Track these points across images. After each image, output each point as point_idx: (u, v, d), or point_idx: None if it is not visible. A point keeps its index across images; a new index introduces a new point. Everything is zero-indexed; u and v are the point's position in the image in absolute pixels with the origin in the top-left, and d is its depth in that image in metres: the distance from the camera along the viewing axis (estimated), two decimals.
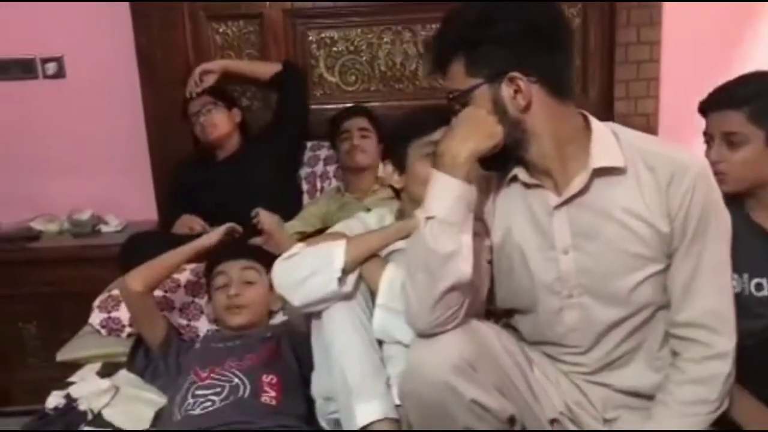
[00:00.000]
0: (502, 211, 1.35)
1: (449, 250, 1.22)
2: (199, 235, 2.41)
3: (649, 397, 1.30)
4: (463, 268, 1.23)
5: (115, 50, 2.88)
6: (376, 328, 1.42)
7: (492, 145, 1.26)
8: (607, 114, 2.84)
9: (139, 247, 2.23)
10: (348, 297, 1.45)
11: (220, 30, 2.90)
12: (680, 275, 1.25)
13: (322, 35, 2.91)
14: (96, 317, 1.96)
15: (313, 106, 2.91)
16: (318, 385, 1.52)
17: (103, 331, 1.96)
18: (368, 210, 2.53)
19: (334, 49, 2.92)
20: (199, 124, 2.70)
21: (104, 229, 2.97)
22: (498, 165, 1.32)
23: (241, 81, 2.86)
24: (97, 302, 1.99)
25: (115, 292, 1.98)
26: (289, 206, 2.71)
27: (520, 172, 1.32)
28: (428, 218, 1.24)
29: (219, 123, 2.71)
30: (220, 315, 1.82)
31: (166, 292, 1.99)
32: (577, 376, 1.34)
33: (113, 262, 2.75)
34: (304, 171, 2.85)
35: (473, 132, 1.26)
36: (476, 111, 1.27)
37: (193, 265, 2.11)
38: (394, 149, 1.64)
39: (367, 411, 1.34)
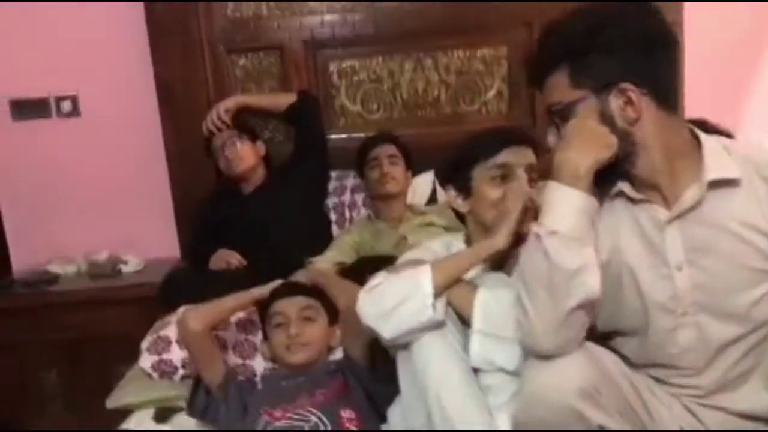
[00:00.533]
0: (608, 229, 1.30)
1: (576, 265, 1.18)
2: (237, 270, 2.37)
3: (767, 420, 1.26)
4: (592, 283, 1.18)
5: (133, 85, 2.84)
6: (474, 356, 1.36)
7: (609, 156, 1.23)
8: None
9: (180, 284, 2.17)
10: (440, 325, 1.40)
11: (240, 63, 2.87)
12: None
13: (343, 65, 2.88)
14: (146, 360, 1.87)
15: (335, 136, 2.88)
16: (410, 419, 1.45)
17: (155, 375, 1.88)
18: (404, 238, 2.50)
19: (355, 78, 2.89)
20: (224, 158, 2.65)
21: (124, 269, 2.88)
22: (605, 179, 1.28)
23: (262, 114, 2.81)
24: (145, 344, 1.91)
25: (164, 333, 1.90)
26: (319, 237, 2.66)
27: (625, 186, 1.28)
28: (551, 233, 1.19)
29: (245, 156, 2.66)
30: (280, 354, 1.75)
31: (217, 330, 1.92)
32: (690, 400, 1.29)
33: (135, 304, 2.69)
34: (331, 201, 2.80)
35: (591, 143, 1.22)
36: (588, 122, 1.23)
37: None
38: (456, 173, 1.60)
39: None
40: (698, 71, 2.80)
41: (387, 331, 1.40)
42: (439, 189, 2.82)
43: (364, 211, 2.74)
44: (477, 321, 1.36)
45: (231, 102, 2.70)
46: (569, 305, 1.17)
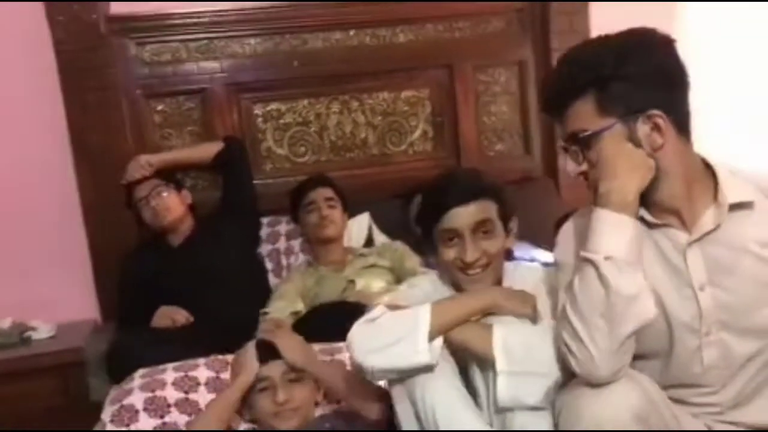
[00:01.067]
0: None
1: (634, 291, 1.19)
2: (183, 327, 2.21)
3: None
4: (649, 307, 1.20)
5: (43, 134, 2.61)
6: (502, 397, 1.33)
7: (650, 179, 1.26)
8: (552, 167, 2.98)
9: (131, 349, 1.99)
10: (431, 369, 1.36)
11: (159, 108, 2.72)
12: None
13: (269, 108, 2.82)
14: None
15: (262, 181, 2.80)
16: None
17: None
18: (352, 281, 2.45)
19: (282, 121, 2.83)
20: (150, 209, 2.49)
21: (34, 336, 2.61)
22: None
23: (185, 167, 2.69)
24: (107, 416, 1.72)
25: (128, 401, 1.72)
26: (257, 287, 2.56)
27: (643, 212, 1.32)
28: (607, 258, 1.20)
29: (172, 206, 2.52)
30: (268, 420, 1.64)
31: (187, 393, 1.77)
32: (708, 417, 1.33)
33: (49, 374, 2.44)
34: (265, 248, 2.70)
35: (635, 167, 1.24)
36: (627, 147, 1.25)
37: (208, 360, 1.90)
38: (422, 230, 1.56)
39: None
40: None
41: (376, 364, 1.37)
42: (375, 230, 2.81)
43: (302, 257, 2.65)
44: (500, 362, 1.33)
45: (155, 159, 2.56)
46: (627, 331, 1.18)
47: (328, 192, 2.62)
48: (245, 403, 1.70)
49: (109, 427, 1.68)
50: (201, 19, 2.69)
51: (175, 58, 2.71)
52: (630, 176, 1.24)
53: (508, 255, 2.59)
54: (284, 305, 2.31)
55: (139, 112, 2.68)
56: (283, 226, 2.73)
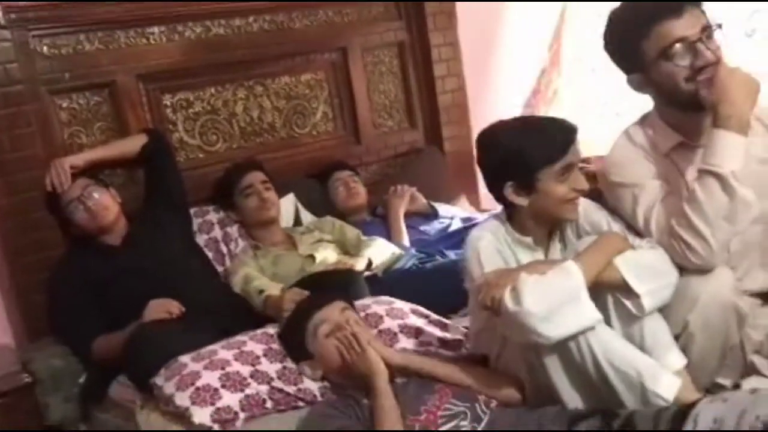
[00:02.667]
0: None
1: (750, 198, 1.47)
2: (178, 318, 2.15)
3: None
4: (756, 210, 1.49)
5: None
6: (650, 310, 1.50)
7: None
8: (436, 137, 3.31)
9: (158, 342, 1.93)
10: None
11: (64, 105, 2.54)
12: None
13: (177, 98, 2.76)
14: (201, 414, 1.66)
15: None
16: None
17: (216, 426, 1.66)
18: (311, 256, 2.53)
19: (191, 110, 2.80)
20: (87, 210, 2.35)
21: None
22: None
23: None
24: (185, 401, 1.66)
25: (202, 383, 1.69)
26: (208, 276, 2.53)
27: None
28: (732, 172, 1.45)
29: (109, 205, 2.40)
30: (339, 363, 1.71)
31: (253, 365, 1.78)
32: None
33: None
34: (200, 239, 2.65)
35: (749, 93, 1.48)
36: (739, 72, 1.49)
37: (259, 332, 1.91)
38: (519, 173, 1.62)
39: (671, 382, 1.46)
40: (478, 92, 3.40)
41: (551, 335, 1.43)
42: (301, 209, 2.90)
43: (242, 243, 2.66)
44: (636, 285, 1.50)
45: (79, 160, 2.40)
46: (740, 229, 1.49)
47: (262, 175, 2.67)
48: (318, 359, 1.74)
49: (195, 409, 1.64)
50: (102, 8, 2.55)
51: (77, 51, 2.55)
52: (746, 102, 1.49)
53: (434, 213, 2.89)
54: (267, 282, 2.33)
55: (44, 111, 2.48)
56: (213, 215, 2.71)
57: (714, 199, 1.49)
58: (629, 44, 1.61)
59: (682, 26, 1.55)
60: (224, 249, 2.67)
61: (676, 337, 1.54)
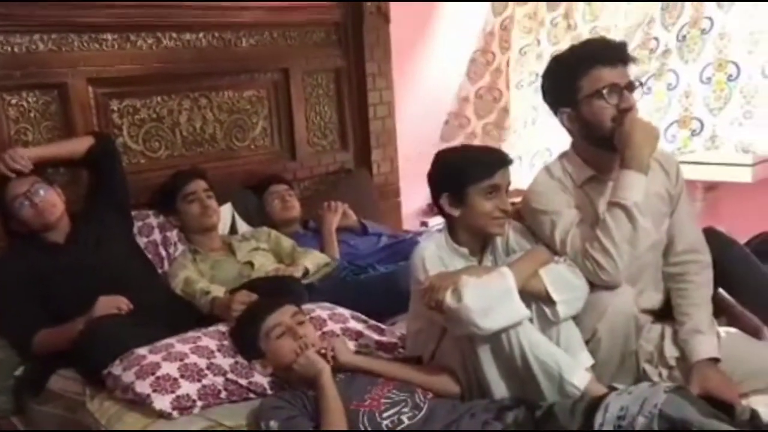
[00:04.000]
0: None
1: (649, 226, 1.76)
2: (127, 315, 2.24)
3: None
4: (654, 235, 1.80)
5: None
6: (564, 317, 1.76)
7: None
8: (366, 159, 3.53)
9: (114, 336, 2.02)
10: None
11: (13, 102, 2.59)
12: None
13: (124, 104, 2.86)
14: (162, 401, 1.77)
15: None
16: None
17: (176, 414, 1.77)
18: (249, 263, 2.68)
19: (137, 117, 2.89)
20: (34, 206, 2.41)
21: None
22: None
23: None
24: (146, 389, 1.77)
25: (162, 372, 1.82)
26: (150, 276, 2.63)
27: None
28: (635, 204, 1.74)
29: (56, 202, 2.47)
30: (291, 361, 1.86)
31: (209, 358, 1.91)
32: None
33: None
34: (139, 242, 2.75)
35: (649, 138, 1.77)
36: (642, 121, 1.79)
37: (211, 329, 2.04)
38: (453, 186, 1.87)
39: (583, 375, 1.72)
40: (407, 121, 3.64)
41: (489, 327, 1.67)
42: (237, 218, 3.04)
43: (181, 247, 2.77)
44: (555, 294, 1.75)
45: (32, 153, 2.47)
46: (636, 254, 1.77)
47: (204, 183, 2.80)
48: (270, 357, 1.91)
49: (156, 396, 1.76)
50: (57, 11, 2.63)
51: (30, 50, 2.61)
52: (645, 146, 1.77)
53: (364, 229, 3.10)
54: (208, 285, 2.45)
55: None
56: (153, 219, 2.81)
57: (620, 227, 1.77)
58: (568, 80, 1.88)
59: (616, 75, 1.84)
60: (163, 252, 2.77)
61: (586, 342, 1.81)
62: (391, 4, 3.44)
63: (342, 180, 3.46)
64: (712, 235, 2.10)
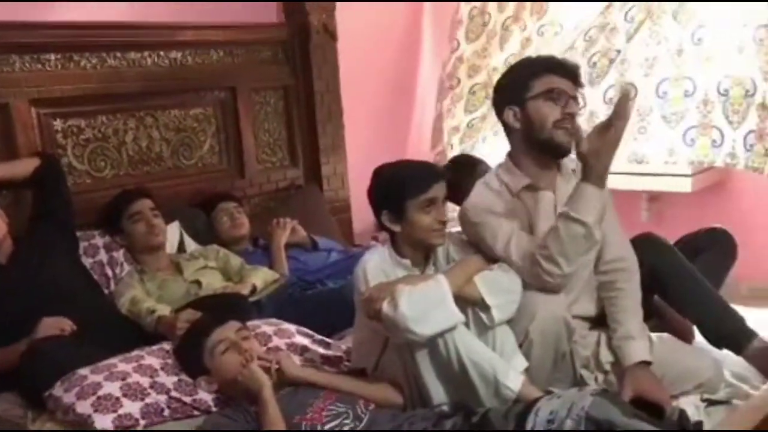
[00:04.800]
0: None
1: (600, 238, 1.84)
2: (70, 336, 2.23)
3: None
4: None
5: None
6: (499, 322, 1.82)
7: None
8: (316, 175, 3.56)
9: (55, 356, 2.01)
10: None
11: None
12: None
13: (68, 123, 2.85)
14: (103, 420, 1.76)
15: None
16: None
17: None
18: (197, 282, 2.68)
19: (82, 137, 2.89)
20: None
21: None
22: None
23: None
24: (87, 409, 1.76)
25: (104, 392, 1.81)
26: (95, 296, 2.62)
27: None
28: (587, 220, 1.79)
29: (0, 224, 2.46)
30: (236, 375, 1.87)
31: (152, 377, 1.92)
32: None
33: None
34: (85, 263, 2.73)
35: (608, 151, 1.79)
36: (603, 135, 1.80)
37: (155, 348, 2.04)
38: (391, 202, 1.93)
39: (517, 377, 1.78)
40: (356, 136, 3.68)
41: (423, 332, 1.72)
42: (186, 237, 3.04)
43: (127, 267, 2.76)
44: (489, 299, 1.82)
45: None
46: (587, 263, 1.87)
47: (150, 203, 2.80)
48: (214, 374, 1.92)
49: (97, 417, 1.76)
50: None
51: None
52: (604, 160, 1.81)
53: (314, 245, 3.13)
54: (154, 304, 2.45)
55: None
56: (99, 239, 2.80)
57: (575, 241, 1.82)
58: (522, 79, 1.98)
59: (566, 85, 1.96)
60: (109, 272, 2.75)
61: (519, 345, 1.87)
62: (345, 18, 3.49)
63: (292, 196, 3.48)
64: (648, 240, 2.18)
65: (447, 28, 4.02)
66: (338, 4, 3.48)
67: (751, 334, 2.03)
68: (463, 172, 2.81)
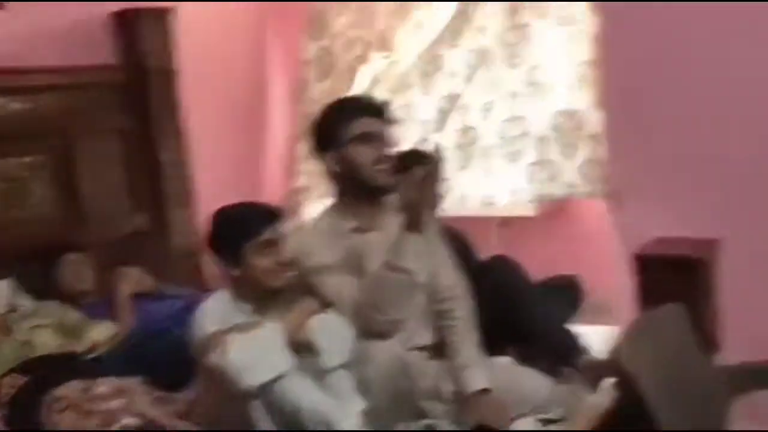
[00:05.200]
0: None
1: (425, 280, 1.95)
2: None
3: None
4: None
5: None
6: (336, 363, 1.83)
7: None
8: (162, 221, 3.45)
9: None
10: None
11: None
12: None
13: None
14: None
15: None
16: None
17: None
18: (28, 342, 2.52)
19: None
20: None
21: None
22: None
23: None
24: None
25: None
26: None
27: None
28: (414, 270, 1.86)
29: None
30: None
31: None
32: None
33: None
34: None
35: (428, 190, 1.91)
36: (421, 186, 1.93)
37: None
38: (227, 247, 1.93)
39: (353, 422, 1.76)
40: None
41: (253, 381, 1.69)
42: (19, 294, 2.84)
43: None
44: (323, 344, 1.83)
45: None
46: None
47: None
48: None
49: None
50: None
51: None
52: (424, 206, 1.90)
53: (160, 294, 3.03)
54: None
55: None
56: None
57: (399, 289, 1.90)
58: (336, 124, 2.01)
59: (378, 125, 2.02)
60: None
61: (358, 387, 1.88)
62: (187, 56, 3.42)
63: (137, 244, 3.35)
64: (498, 261, 2.28)
65: (295, 62, 4.05)
66: (180, 40, 3.41)
67: (582, 350, 2.16)
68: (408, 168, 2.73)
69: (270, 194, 3.95)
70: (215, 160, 3.75)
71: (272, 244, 1.90)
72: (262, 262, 1.88)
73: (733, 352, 2.41)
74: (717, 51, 2.77)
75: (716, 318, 2.45)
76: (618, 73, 2.95)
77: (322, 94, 3.94)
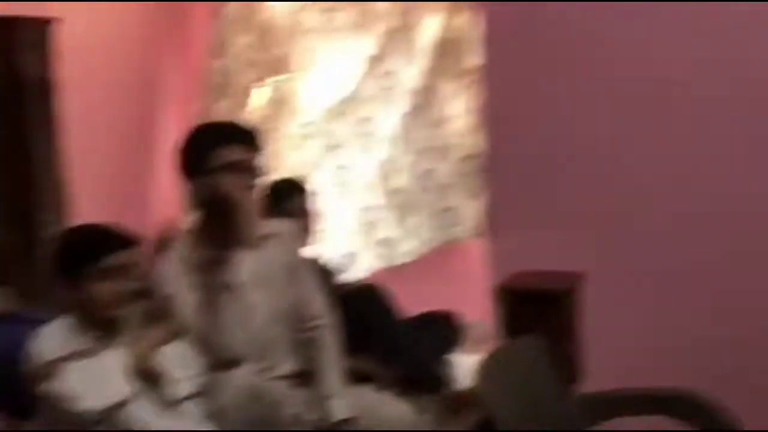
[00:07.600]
0: None
1: (262, 300, 1.94)
2: None
3: None
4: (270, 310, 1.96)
5: None
6: (184, 392, 1.79)
7: None
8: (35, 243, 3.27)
9: None
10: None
11: None
12: None
13: None
14: None
15: None
16: None
17: None
18: None
19: None
20: None
21: None
22: None
23: None
24: None
25: None
26: None
27: None
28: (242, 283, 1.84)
29: None
30: None
31: None
32: None
33: None
34: None
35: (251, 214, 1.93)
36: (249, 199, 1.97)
37: None
38: (69, 270, 1.80)
39: None
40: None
41: (88, 408, 1.63)
42: None
43: None
44: (173, 372, 1.79)
45: None
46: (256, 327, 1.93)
47: None
48: None
49: None
50: None
51: None
52: (250, 221, 1.91)
53: (16, 317, 2.87)
54: None
55: None
56: None
57: (233, 310, 1.88)
58: (204, 151, 1.96)
59: (246, 153, 1.98)
60: None
61: (212, 417, 1.83)
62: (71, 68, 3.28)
63: (5, 262, 3.17)
64: (365, 292, 2.29)
65: (189, 80, 3.97)
66: (67, 52, 3.27)
67: (447, 380, 2.19)
68: (282, 198, 2.70)
69: (158, 213, 3.84)
70: (101, 177, 3.62)
71: (114, 271, 1.77)
72: (101, 289, 1.75)
73: (596, 381, 2.50)
74: (591, 92, 2.89)
75: (576, 348, 2.52)
76: (501, 112, 3.01)
77: (217, 111, 3.89)
